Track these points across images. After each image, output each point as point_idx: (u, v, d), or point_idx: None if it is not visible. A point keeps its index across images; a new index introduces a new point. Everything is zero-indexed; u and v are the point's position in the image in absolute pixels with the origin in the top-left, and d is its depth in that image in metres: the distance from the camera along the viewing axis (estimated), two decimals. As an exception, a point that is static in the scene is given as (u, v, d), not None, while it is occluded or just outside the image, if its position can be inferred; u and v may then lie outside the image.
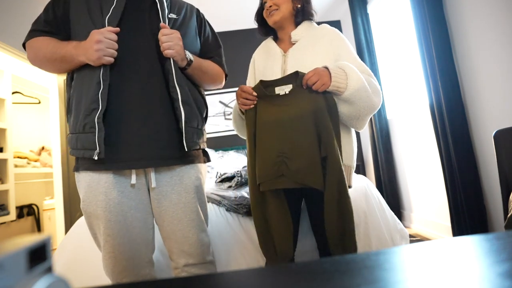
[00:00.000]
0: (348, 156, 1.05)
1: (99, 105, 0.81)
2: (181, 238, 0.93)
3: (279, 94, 0.99)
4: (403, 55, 2.62)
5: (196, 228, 0.94)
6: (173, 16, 0.96)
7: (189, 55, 0.93)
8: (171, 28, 0.93)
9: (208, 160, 1.06)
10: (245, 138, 1.25)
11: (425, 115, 2.25)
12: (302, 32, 1.12)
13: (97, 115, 0.81)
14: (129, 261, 0.88)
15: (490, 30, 1.68)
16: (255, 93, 1.02)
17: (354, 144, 1.08)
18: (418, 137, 2.44)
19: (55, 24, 0.93)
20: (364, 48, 2.97)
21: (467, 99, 1.90)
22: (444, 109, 1.91)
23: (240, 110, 1.12)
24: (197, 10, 1.10)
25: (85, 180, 0.88)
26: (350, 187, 1.03)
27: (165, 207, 0.92)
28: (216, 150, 3.15)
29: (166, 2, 0.97)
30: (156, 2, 0.94)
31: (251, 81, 1.24)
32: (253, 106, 1.03)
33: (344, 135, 1.05)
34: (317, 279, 0.27)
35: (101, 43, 0.81)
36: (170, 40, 0.87)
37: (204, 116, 1.04)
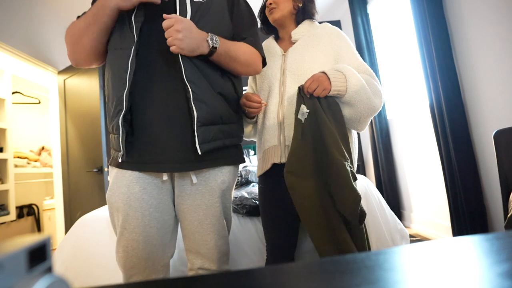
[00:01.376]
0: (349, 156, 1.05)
1: (123, 107, 0.79)
2: (199, 240, 0.89)
3: (302, 120, 0.94)
4: (403, 55, 2.62)
5: (215, 233, 0.90)
6: (198, 0, 0.87)
7: (213, 41, 0.82)
8: (195, 14, 0.85)
9: (242, 160, 0.98)
10: (248, 140, 1.25)
11: (425, 115, 2.25)
12: (302, 31, 1.11)
13: (121, 116, 0.79)
14: (142, 261, 0.85)
15: (490, 30, 1.68)
16: (259, 99, 0.97)
17: (355, 145, 1.08)
18: (418, 137, 2.44)
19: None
20: (364, 48, 2.97)
21: (467, 99, 1.90)
22: (444, 109, 1.91)
23: (245, 114, 1.10)
24: None
25: (113, 172, 0.89)
26: None
27: (187, 206, 0.89)
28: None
29: None
30: None
31: (251, 80, 1.23)
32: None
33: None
34: (317, 279, 0.27)
35: None
36: (169, 35, 0.78)
37: (235, 107, 0.95)
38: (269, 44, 1.20)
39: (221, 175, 0.90)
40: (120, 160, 0.83)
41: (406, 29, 2.48)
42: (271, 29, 1.22)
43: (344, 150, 0.89)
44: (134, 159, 0.83)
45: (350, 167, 0.87)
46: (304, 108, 0.93)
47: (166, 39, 0.78)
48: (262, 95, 1.12)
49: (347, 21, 3.49)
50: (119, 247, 0.86)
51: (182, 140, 0.83)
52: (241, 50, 0.90)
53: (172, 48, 0.78)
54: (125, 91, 0.79)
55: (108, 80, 0.86)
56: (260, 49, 0.97)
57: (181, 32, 0.77)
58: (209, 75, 0.85)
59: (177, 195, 0.90)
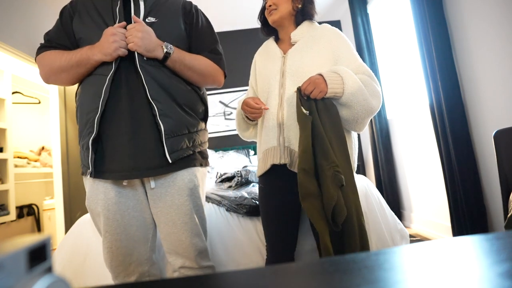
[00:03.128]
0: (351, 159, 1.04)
1: (94, 129, 0.87)
2: (176, 241, 0.95)
3: (309, 117, 0.97)
4: (403, 55, 2.62)
5: (189, 231, 0.95)
6: (151, 19, 0.96)
7: (168, 47, 0.92)
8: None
9: (206, 164, 1.06)
10: (249, 141, 1.26)
11: (425, 115, 2.25)
12: (302, 33, 1.11)
13: (91, 138, 0.87)
14: (126, 257, 0.93)
15: (490, 30, 1.68)
16: (258, 105, 1.01)
17: (355, 146, 1.08)
18: (418, 137, 2.44)
19: (65, 36, 0.97)
20: (364, 48, 2.97)
21: (467, 99, 1.90)
22: (444, 109, 1.91)
23: (247, 116, 1.12)
24: (185, 3, 1.07)
25: (88, 182, 0.96)
26: None
27: (160, 208, 0.95)
28: (216, 150, 3.15)
29: (146, 6, 0.98)
30: (130, 7, 0.95)
31: (252, 80, 1.23)
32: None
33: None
34: (317, 279, 0.27)
35: (115, 36, 0.86)
36: (129, 34, 0.88)
37: (202, 116, 1.03)
38: (269, 45, 1.20)
39: (187, 175, 0.96)
40: (88, 176, 0.90)
41: (406, 29, 2.48)
42: (271, 30, 1.21)
43: (332, 154, 0.90)
44: (104, 169, 0.90)
45: (336, 171, 0.88)
46: (302, 110, 0.95)
47: (134, 64, 0.89)
48: (262, 96, 1.12)
49: (347, 21, 3.49)
50: (104, 248, 0.94)
51: (148, 149, 0.90)
52: (197, 61, 0.99)
53: (130, 45, 0.87)
54: (97, 116, 0.87)
55: (80, 100, 0.94)
56: (220, 64, 1.07)
57: (141, 33, 0.88)
58: (172, 90, 0.93)
59: (150, 199, 0.96)
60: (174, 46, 0.94)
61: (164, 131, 0.89)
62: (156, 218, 0.97)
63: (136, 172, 0.90)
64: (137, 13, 0.96)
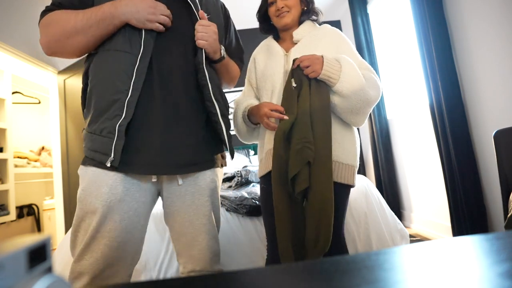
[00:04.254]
0: (352, 156, 1.03)
1: (122, 112, 0.76)
2: (191, 241, 0.88)
3: (294, 87, 0.99)
4: (403, 55, 2.62)
5: (206, 233, 0.89)
6: (207, 15, 0.93)
7: (223, 51, 0.94)
8: None
9: (224, 164, 1.03)
10: (249, 143, 1.23)
11: (425, 115, 2.25)
12: (303, 32, 1.12)
13: (119, 122, 0.76)
14: (107, 268, 0.79)
15: (490, 30, 1.68)
16: (281, 108, 0.98)
17: (357, 143, 1.07)
18: (418, 137, 2.44)
19: None
20: (364, 48, 2.97)
21: (467, 99, 1.90)
22: (444, 109, 1.91)
23: (248, 118, 1.12)
24: (223, 6, 1.08)
25: (89, 171, 0.81)
26: (353, 186, 1.02)
27: (178, 207, 0.88)
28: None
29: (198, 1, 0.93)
30: (189, 2, 0.89)
31: (251, 80, 1.22)
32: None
33: (346, 133, 1.04)
34: (317, 279, 0.27)
35: (155, 9, 0.80)
36: (205, 31, 0.85)
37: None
38: (269, 43, 1.19)
39: (210, 174, 0.92)
40: (108, 164, 0.76)
41: (406, 29, 2.48)
42: (270, 28, 1.22)
43: (308, 131, 0.92)
44: (128, 160, 0.79)
45: (306, 147, 0.91)
46: (292, 82, 0.97)
47: (181, 54, 0.86)
48: (264, 95, 1.12)
49: (347, 21, 3.49)
50: (85, 253, 0.77)
51: (189, 144, 0.85)
52: (234, 67, 1.06)
53: (201, 43, 0.85)
54: (127, 98, 0.77)
55: (98, 79, 0.82)
56: (242, 71, 1.15)
57: (216, 35, 0.88)
58: (223, 94, 0.95)
59: (166, 197, 0.89)
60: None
61: (226, 130, 0.89)
62: (170, 218, 0.90)
63: (171, 168, 0.83)
64: (196, 5, 0.90)
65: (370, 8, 3.02)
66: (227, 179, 1.95)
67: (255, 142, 1.22)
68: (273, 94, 1.08)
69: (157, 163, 0.81)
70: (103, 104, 0.79)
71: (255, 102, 1.14)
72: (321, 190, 0.90)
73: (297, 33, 1.11)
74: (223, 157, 1.03)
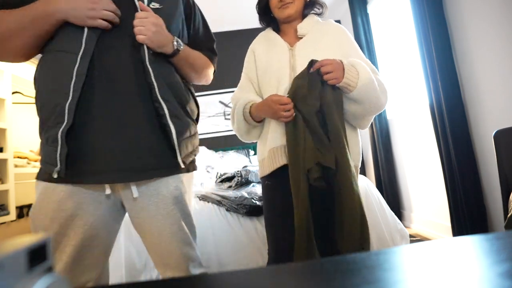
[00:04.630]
0: (356, 156, 1.01)
1: (64, 118, 0.70)
2: (165, 252, 0.83)
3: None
4: (403, 55, 2.62)
5: (179, 241, 0.84)
6: (155, 5, 0.83)
7: (178, 44, 0.83)
8: None
9: (195, 168, 0.95)
10: (248, 142, 1.16)
11: (425, 115, 2.25)
12: (307, 26, 1.07)
13: (61, 129, 0.70)
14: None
15: (490, 30, 1.68)
16: (289, 101, 0.93)
17: (360, 142, 1.07)
18: (418, 137, 2.44)
19: None
20: (364, 48, 2.97)
21: (467, 99, 1.90)
22: (444, 109, 1.91)
23: (247, 116, 1.06)
24: None
25: (42, 185, 0.77)
26: None
27: (143, 218, 0.82)
28: (216, 150, 3.15)
29: None
30: None
31: (250, 74, 1.14)
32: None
33: (352, 135, 1.02)
34: (317, 279, 0.27)
35: (96, 4, 0.72)
36: (141, 24, 0.75)
37: (195, 117, 0.94)
38: (270, 35, 1.13)
39: (173, 181, 0.83)
40: (55, 176, 0.71)
41: (406, 29, 2.48)
42: (271, 21, 1.16)
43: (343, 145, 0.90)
44: (77, 170, 0.73)
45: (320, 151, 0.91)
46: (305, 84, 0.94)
47: (129, 52, 0.76)
48: (267, 92, 1.05)
49: (347, 21, 3.49)
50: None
51: (138, 148, 0.76)
52: (199, 60, 0.94)
53: (141, 38, 0.75)
54: (68, 102, 0.70)
55: (42, 84, 0.77)
56: (214, 64, 1.03)
57: (156, 27, 0.77)
58: (176, 89, 0.83)
59: (129, 209, 0.83)
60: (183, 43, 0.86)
61: (176, 133, 0.78)
62: (139, 229, 0.85)
63: (125, 174, 0.75)
64: None
65: (370, 8, 3.02)
66: (227, 179, 1.95)
67: (255, 141, 1.17)
68: (279, 91, 1.02)
69: (106, 171, 0.73)
70: (46, 110, 0.74)
71: (257, 99, 1.08)
72: (353, 198, 0.89)
73: (302, 27, 1.07)
74: (193, 161, 0.94)
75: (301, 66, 0.99)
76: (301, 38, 1.07)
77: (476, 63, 1.80)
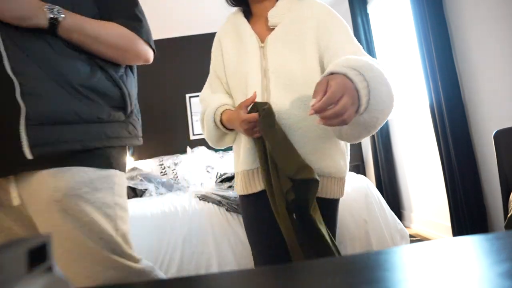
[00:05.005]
0: (342, 167, 0.84)
1: None
2: (73, 276, 0.64)
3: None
4: (403, 55, 2.62)
5: (87, 262, 0.64)
6: None
7: (54, 11, 0.64)
8: None
9: (109, 164, 0.72)
10: (220, 148, 0.96)
11: (425, 115, 2.25)
12: (282, 12, 0.83)
13: None
14: None
15: (490, 30, 1.68)
16: (254, 119, 0.75)
17: (347, 151, 0.89)
18: (418, 137, 2.44)
19: None
20: (364, 48, 2.96)
21: (467, 99, 1.90)
22: (444, 109, 1.91)
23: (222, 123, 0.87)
24: None
25: None
26: (342, 195, 0.87)
27: (25, 232, 0.67)
28: (216, 151, 3.15)
29: None
30: None
31: (218, 71, 0.94)
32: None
33: (335, 144, 0.83)
34: (317, 279, 0.27)
35: None
36: None
37: (116, 104, 0.74)
38: (239, 23, 0.90)
39: (53, 181, 0.63)
40: None
41: (406, 29, 2.48)
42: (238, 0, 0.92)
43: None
44: None
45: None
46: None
47: None
48: (239, 96, 0.87)
49: (347, 21, 3.47)
50: None
51: None
52: (105, 30, 0.72)
53: None
54: None
55: None
56: (140, 33, 0.77)
57: None
58: (60, 68, 0.65)
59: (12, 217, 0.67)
60: (66, 10, 0.66)
61: (26, 114, 0.59)
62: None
63: None
64: None
65: (370, 8, 3.02)
66: (227, 179, 1.95)
67: (230, 145, 0.97)
68: (248, 96, 0.82)
69: None
70: None
71: (227, 101, 0.90)
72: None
73: (273, 15, 0.83)
74: (107, 157, 0.73)
75: (273, 70, 0.81)
76: (273, 29, 0.84)
77: (476, 63, 1.80)
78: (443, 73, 1.91)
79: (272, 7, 0.85)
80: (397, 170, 2.82)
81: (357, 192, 1.66)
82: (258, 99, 0.80)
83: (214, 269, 1.43)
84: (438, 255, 0.30)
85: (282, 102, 0.79)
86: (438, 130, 1.98)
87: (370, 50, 2.97)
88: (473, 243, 0.31)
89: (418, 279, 0.24)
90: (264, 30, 0.86)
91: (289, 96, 0.80)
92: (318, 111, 0.54)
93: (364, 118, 0.62)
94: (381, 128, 2.84)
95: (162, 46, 2.74)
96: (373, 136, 2.96)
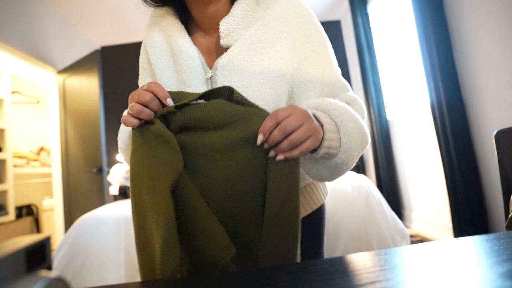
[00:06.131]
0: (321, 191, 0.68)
1: None
2: None
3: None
4: (403, 55, 2.62)
5: None
6: None
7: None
8: None
9: None
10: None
11: (426, 115, 2.25)
12: (239, 23, 0.55)
13: None
14: None
15: (490, 30, 1.69)
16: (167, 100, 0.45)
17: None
18: (418, 137, 2.44)
19: None
20: (364, 48, 2.97)
21: (467, 99, 1.90)
22: (444, 109, 1.91)
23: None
24: None
25: None
26: (325, 198, 0.69)
27: None
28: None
29: None
30: None
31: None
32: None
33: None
34: (317, 279, 0.27)
35: None
36: None
37: None
38: (172, 35, 0.58)
39: None
40: None
41: (406, 29, 2.48)
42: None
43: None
44: None
45: None
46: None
47: None
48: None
49: (347, 21, 3.49)
50: None
51: None
52: None
53: None
54: None
55: None
56: None
57: None
58: None
59: None
60: None
61: None
62: None
63: None
64: None
65: (370, 8, 3.02)
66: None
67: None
68: None
69: None
70: None
71: None
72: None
73: (228, 29, 0.55)
74: None
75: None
76: (227, 49, 0.56)
77: (477, 63, 1.80)
78: (444, 73, 1.91)
79: (225, 13, 0.57)
80: (397, 170, 2.82)
81: (357, 191, 1.66)
82: None
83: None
84: (439, 256, 0.29)
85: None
86: (439, 130, 1.99)
87: (370, 50, 2.97)
88: (474, 243, 0.31)
89: (419, 280, 0.24)
90: (211, 46, 0.58)
91: None
92: (277, 134, 0.41)
93: (337, 161, 0.49)
94: (381, 128, 2.84)
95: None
96: (373, 136, 2.97)
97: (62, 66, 2.89)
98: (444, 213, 2.13)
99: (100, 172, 2.53)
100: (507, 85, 1.62)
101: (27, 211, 3.32)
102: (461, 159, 1.86)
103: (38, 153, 3.58)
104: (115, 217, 1.52)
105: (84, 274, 1.34)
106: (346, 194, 1.63)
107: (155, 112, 0.45)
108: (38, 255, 0.20)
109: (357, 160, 0.53)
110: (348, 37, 3.52)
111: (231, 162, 0.46)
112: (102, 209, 1.73)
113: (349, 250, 1.53)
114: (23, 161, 3.32)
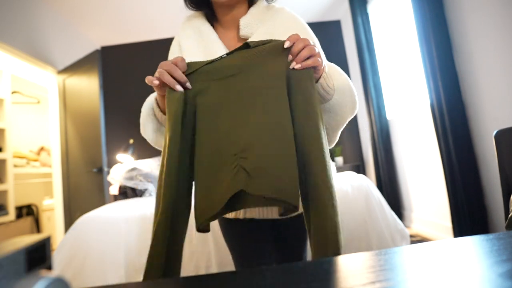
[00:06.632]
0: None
1: None
2: None
3: (221, 57, 0.59)
4: (403, 55, 2.62)
5: None
6: None
7: None
8: None
9: None
10: (158, 147, 0.72)
11: (426, 115, 2.25)
12: (255, 22, 0.73)
13: None
14: None
15: (490, 30, 1.68)
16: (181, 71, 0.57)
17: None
18: (418, 137, 2.44)
19: None
20: (364, 48, 2.97)
21: (467, 99, 1.90)
22: (444, 109, 1.91)
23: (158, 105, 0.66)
24: None
25: None
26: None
27: None
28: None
29: None
30: None
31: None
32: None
33: None
34: (317, 279, 0.27)
35: None
36: None
37: None
38: (202, 31, 0.75)
39: None
40: None
41: (406, 29, 2.48)
42: (202, 3, 0.76)
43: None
44: None
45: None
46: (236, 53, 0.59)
47: None
48: None
49: (347, 21, 3.49)
50: None
51: None
52: None
53: None
54: None
55: None
56: None
57: None
58: None
59: None
60: None
61: None
62: None
63: None
64: None
65: (370, 8, 3.02)
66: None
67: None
68: None
69: None
70: None
71: None
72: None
73: (246, 24, 0.72)
74: None
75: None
76: (245, 39, 0.73)
77: (477, 63, 1.80)
78: (444, 73, 1.91)
79: (243, 14, 0.74)
80: (397, 170, 2.82)
81: (357, 191, 1.66)
82: None
83: (214, 269, 1.43)
84: (439, 256, 0.29)
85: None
86: (439, 130, 1.99)
87: (370, 50, 2.97)
88: (474, 243, 0.31)
89: (419, 280, 0.24)
90: (234, 41, 0.75)
91: None
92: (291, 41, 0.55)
93: (334, 101, 0.65)
94: (381, 128, 2.84)
95: (158, 47, 2.74)
96: (373, 136, 2.96)
97: (62, 66, 2.89)
98: (444, 213, 2.13)
99: (100, 172, 2.53)
100: (507, 85, 1.61)
101: (27, 211, 3.32)
102: (461, 159, 1.86)
103: (38, 153, 3.59)
104: (115, 217, 1.52)
105: (84, 274, 1.34)
106: (346, 194, 1.63)
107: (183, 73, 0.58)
108: (38, 255, 0.20)
109: (350, 111, 0.68)
110: (348, 37, 3.52)
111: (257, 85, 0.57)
112: (102, 209, 1.73)
113: (349, 250, 1.53)
114: (23, 161, 3.32)
